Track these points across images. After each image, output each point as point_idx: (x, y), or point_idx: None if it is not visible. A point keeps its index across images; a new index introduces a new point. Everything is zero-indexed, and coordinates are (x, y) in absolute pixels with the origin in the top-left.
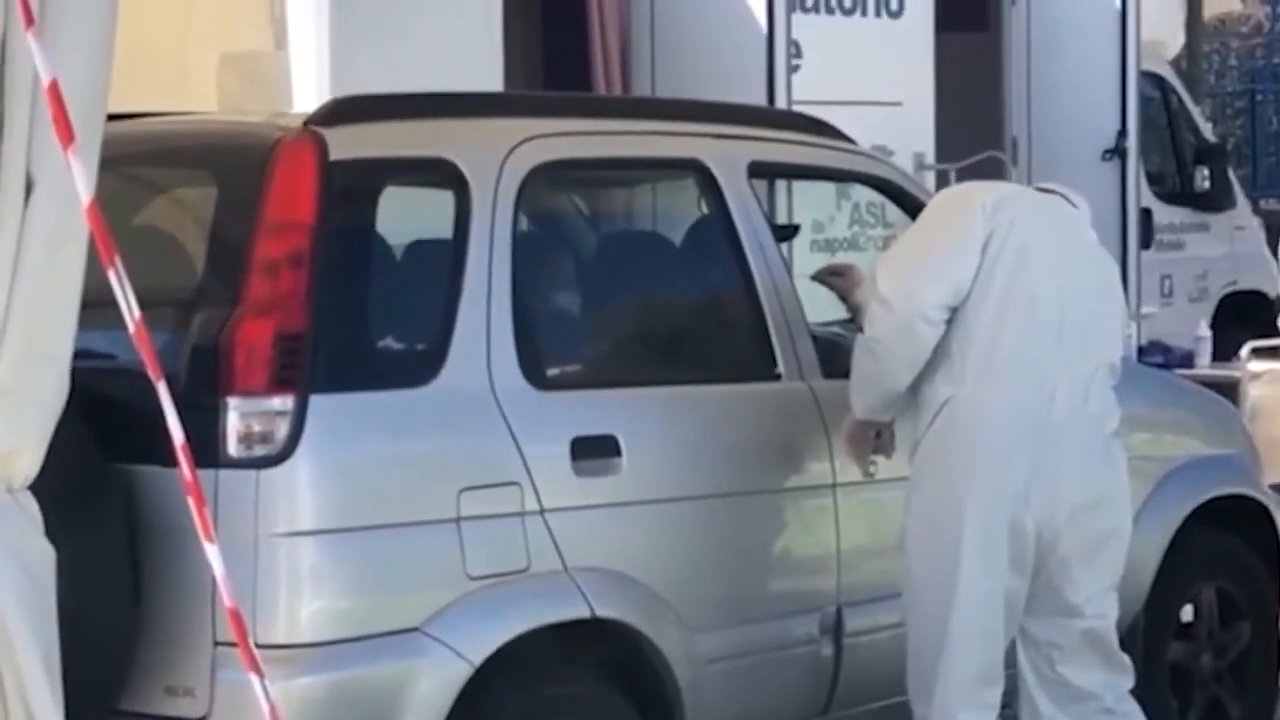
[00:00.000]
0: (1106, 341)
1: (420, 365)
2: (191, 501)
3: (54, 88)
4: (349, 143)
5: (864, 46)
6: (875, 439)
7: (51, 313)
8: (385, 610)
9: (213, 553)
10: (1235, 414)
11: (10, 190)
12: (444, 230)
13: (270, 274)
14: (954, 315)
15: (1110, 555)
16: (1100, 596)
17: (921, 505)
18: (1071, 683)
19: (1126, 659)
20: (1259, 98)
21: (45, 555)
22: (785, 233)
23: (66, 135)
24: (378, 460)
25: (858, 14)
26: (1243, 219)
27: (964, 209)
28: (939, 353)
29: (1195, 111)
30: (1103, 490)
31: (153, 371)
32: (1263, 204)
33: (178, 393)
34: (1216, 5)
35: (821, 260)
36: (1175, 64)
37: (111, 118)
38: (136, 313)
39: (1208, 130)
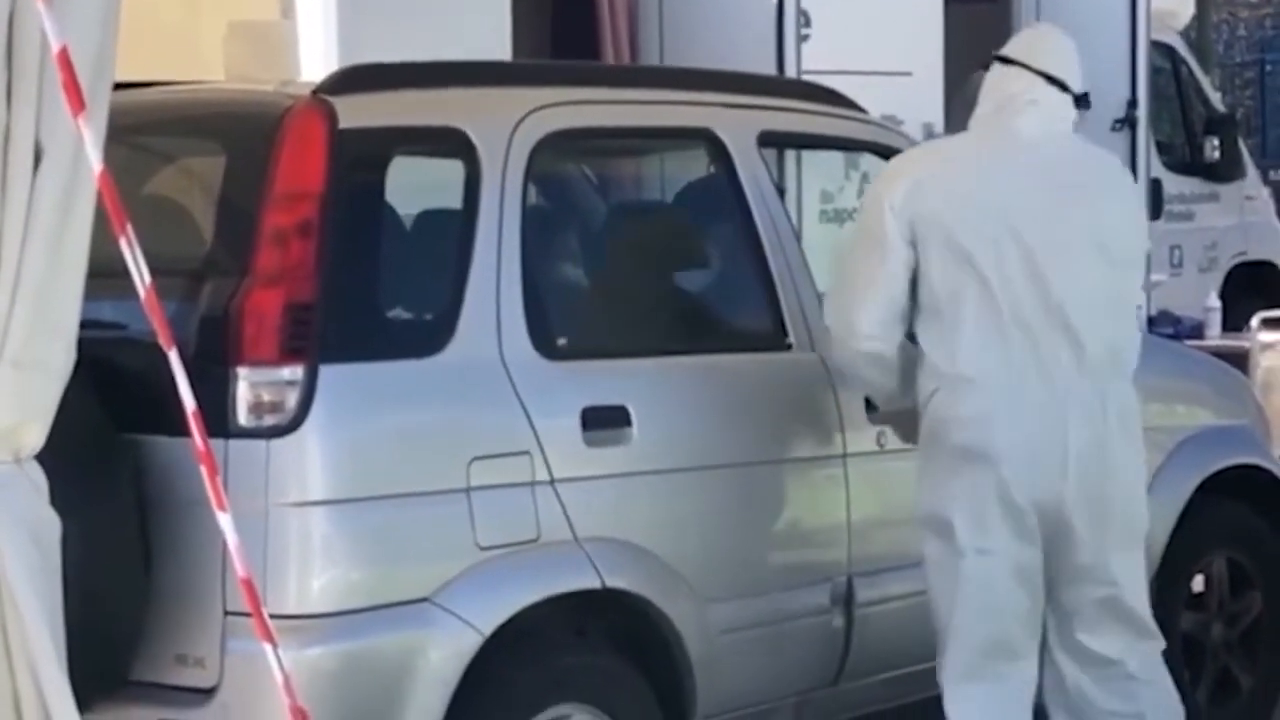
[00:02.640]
0: (1086, 268)
1: (430, 335)
2: (204, 470)
3: (64, 55)
4: (358, 111)
5: (873, 16)
6: None
7: (60, 283)
8: (395, 580)
9: (225, 521)
10: (1246, 384)
11: (19, 159)
12: (454, 199)
13: (280, 243)
14: (919, 309)
15: (1119, 518)
16: (1112, 561)
17: (923, 489)
18: (1090, 648)
19: (1152, 625)
20: (1268, 68)
21: (51, 525)
22: None
23: (77, 103)
24: (388, 430)
25: None
26: (1252, 189)
27: (873, 216)
28: (921, 343)
29: (1205, 82)
30: (1102, 451)
31: (164, 339)
32: (1272, 174)
33: (187, 362)
34: None
35: (830, 231)
36: (1185, 34)
37: (119, 87)
38: (148, 280)
39: (1217, 100)
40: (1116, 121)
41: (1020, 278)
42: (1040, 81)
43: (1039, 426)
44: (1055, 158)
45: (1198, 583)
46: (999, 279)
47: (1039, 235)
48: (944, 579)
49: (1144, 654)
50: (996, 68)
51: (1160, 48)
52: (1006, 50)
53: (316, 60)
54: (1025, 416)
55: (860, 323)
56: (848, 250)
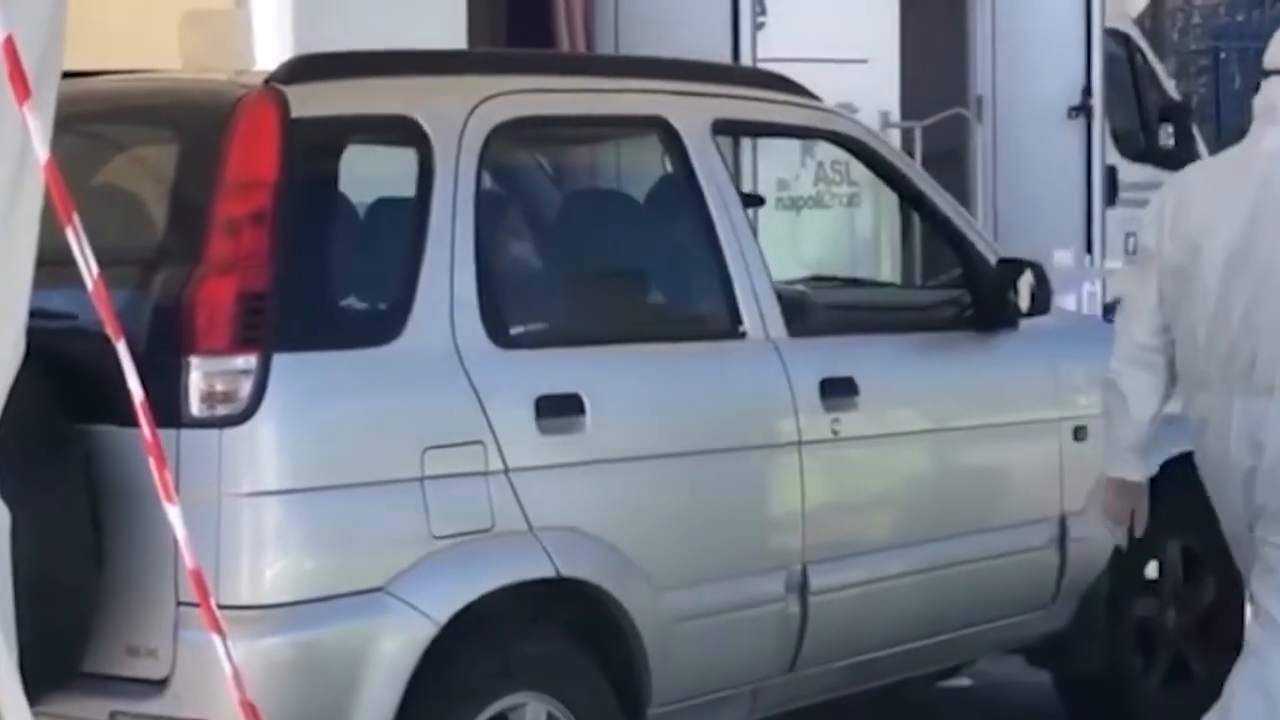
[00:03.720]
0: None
1: (384, 324)
2: (152, 461)
3: (9, 43)
4: (311, 100)
5: (829, 3)
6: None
7: (9, 272)
8: (349, 570)
9: (173, 513)
10: None
11: None
12: (407, 188)
13: (232, 233)
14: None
15: None
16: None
17: None
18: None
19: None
20: (1223, 55)
21: (0, 514)
22: (749, 202)
23: (23, 91)
24: (341, 419)
25: None
26: None
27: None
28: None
29: (1160, 69)
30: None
31: (112, 330)
32: None
33: (139, 352)
34: None
35: (786, 218)
36: (1140, 21)
37: (72, 75)
38: (95, 271)
39: (1172, 88)
40: (1072, 109)
41: (1214, 291)
42: None
43: (1213, 440)
44: None
45: (1152, 569)
46: (1200, 293)
47: (1239, 249)
48: None
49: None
50: (1268, 81)
51: (1115, 35)
52: (1264, 61)
53: (271, 49)
54: (1205, 429)
55: (1133, 332)
56: None
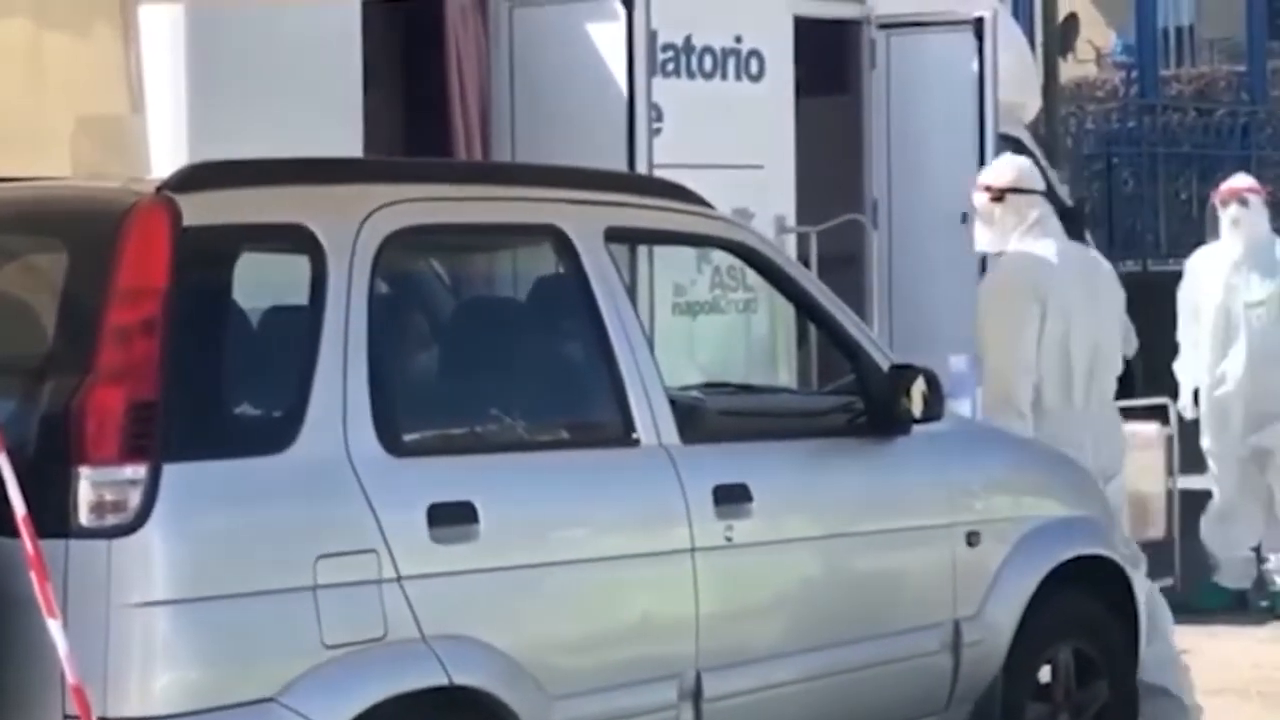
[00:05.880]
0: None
1: (276, 432)
2: (34, 575)
3: None
4: (203, 209)
5: (725, 110)
6: None
7: None
8: (240, 680)
9: (55, 628)
10: (1090, 475)
11: None
12: (300, 296)
13: (122, 341)
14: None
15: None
16: None
17: None
18: None
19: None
20: (1115, 161)
21: None
22: None
23: None
24: (232, 528)
25: (718, 78)
26: None
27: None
28: None
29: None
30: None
31: None
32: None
33: (28, 461)
34: (1073, 70)
35: (682, 323)
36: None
37: None
38: None
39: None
40: (965, 215)
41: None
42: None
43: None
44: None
45: (1044, 673)
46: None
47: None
48: None
49: None
50: (1011, 197)
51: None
52: (1011, 183)
53: (167, 157)
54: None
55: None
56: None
